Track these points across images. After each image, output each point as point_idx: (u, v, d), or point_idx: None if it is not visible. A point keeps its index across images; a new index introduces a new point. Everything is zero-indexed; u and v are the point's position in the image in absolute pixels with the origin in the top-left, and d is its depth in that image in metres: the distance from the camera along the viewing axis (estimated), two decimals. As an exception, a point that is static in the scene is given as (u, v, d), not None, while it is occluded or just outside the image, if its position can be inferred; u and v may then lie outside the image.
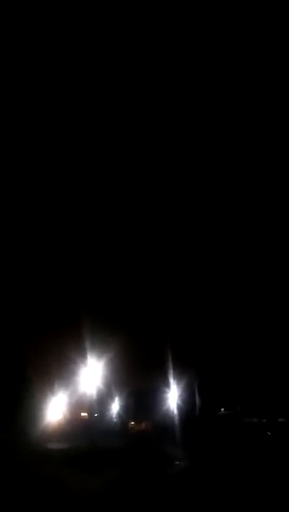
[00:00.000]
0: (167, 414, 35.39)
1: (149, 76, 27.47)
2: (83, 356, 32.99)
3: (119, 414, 37.81)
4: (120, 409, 37.87)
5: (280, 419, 32.42)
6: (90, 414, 35.60)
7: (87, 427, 34.37)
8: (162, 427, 33.75)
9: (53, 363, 33.60)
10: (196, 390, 35.55)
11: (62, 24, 23.93)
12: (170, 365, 33.77)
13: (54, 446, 29.07)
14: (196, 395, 35.52)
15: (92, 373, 34.03)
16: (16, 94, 26.72)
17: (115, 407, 38.04)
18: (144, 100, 28.40)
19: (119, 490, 15.81)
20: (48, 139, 29.39)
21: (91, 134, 29.57)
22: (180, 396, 35.91)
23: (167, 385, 35.67)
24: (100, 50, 25.81)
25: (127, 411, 37.64)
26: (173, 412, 35.40)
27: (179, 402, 35.72)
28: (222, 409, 37.03)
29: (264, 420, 32.59)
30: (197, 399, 35.47)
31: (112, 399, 37.56)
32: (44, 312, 33.81)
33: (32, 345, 33.39)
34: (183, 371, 34.87)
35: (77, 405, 36.67)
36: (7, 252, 31.62)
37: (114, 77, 27.24)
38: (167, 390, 36.07)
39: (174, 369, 34.24)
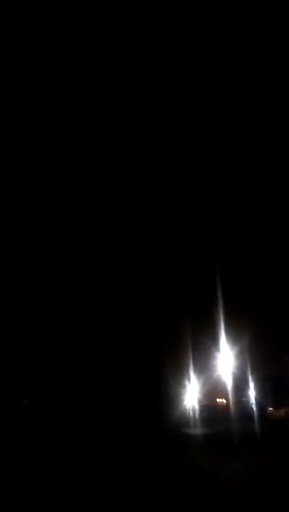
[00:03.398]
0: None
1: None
2: (218, 342, 33.03)
3: (256, 401, 37.29)
4: (257, 395, 37.31)
5: None
6: (228, 400, 35.52)
7: (224, 413, 34.42)
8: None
9: (187, 350, 34.07)
10: None
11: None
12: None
13: (193, 431, 29.59)
14: None
15: (227, 359, 33.94)
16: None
17: (252, 393, 37.58)
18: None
19: (263, 478, 15.56)
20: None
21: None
22: None
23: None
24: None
25: (264, 397, 37.00)
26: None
27: None
28: None
29: None
30: None
31: (248, 385, 37.14)
32: (179, 299, 34.32)
33: (167, 333, 34.09)
34: None
35: (213, 391, 36.87)
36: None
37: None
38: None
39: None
